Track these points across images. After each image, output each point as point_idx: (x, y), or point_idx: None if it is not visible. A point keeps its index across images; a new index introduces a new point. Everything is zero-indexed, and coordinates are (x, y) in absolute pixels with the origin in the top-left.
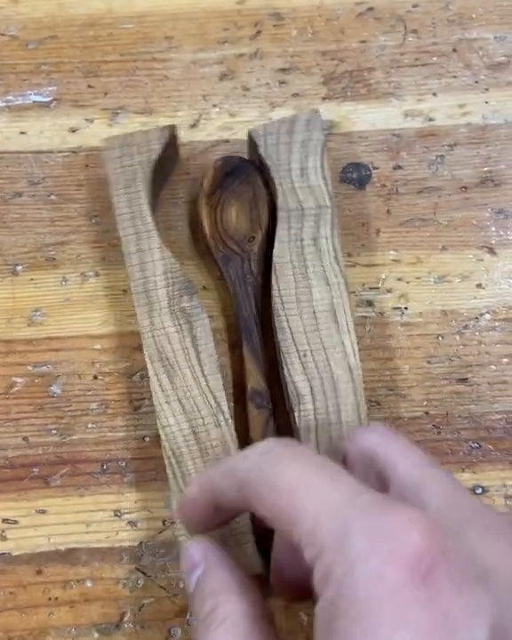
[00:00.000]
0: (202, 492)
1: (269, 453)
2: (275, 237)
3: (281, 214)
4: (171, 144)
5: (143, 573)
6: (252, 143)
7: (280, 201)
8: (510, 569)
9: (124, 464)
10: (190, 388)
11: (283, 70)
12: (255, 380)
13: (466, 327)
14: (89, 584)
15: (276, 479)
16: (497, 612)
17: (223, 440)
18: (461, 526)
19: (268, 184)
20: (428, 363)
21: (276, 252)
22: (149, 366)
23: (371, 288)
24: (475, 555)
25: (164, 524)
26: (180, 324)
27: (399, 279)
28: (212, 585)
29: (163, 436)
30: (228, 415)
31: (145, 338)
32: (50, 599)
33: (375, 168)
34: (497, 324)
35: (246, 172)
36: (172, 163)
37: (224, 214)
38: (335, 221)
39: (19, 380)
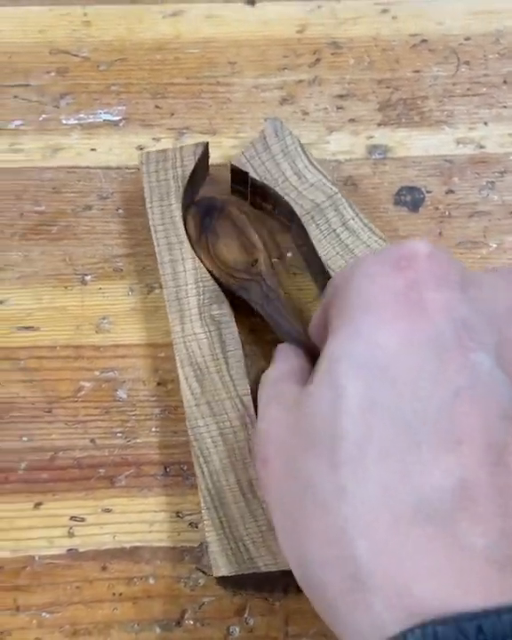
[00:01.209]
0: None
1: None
2: (310, 240)
3: (304, 218)
4: (202, 160)
5: (203, 573)
6: (236, 173)
7: (296, 208)
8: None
9: (185, 468)
10: (219, 391)
11: (340, 96)
12: None
13: None
14: (151, 581)
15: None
16: (480, 319)
17: (250, 442)
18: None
19: (255, 205)
20: None
21: (320, 252)
22: (180, 370)
23: None
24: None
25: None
26: (209, 331)
27: None
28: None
29: (192, 437)
30: (254, 418)
31: (176, 343)
32: (114, 594)
33: (428, 192)
34: None
35: (217, 208)
36: (203, 177)
37: (217, 253)
38: (350, 201)
39: (86, 384)
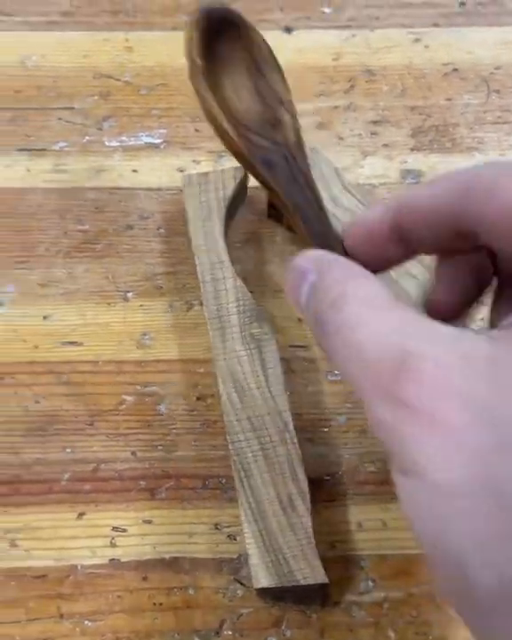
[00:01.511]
0: (388, 211)
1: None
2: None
3: None
4: (242, 183)
5: (242, 584)
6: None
7: None
8: None
9: (223, 481)
10: (259, 407)
11: (374, 122)
12: None
13: None
14: (191, 592)
15: None
16: None
17: (289, 457)
18: None
19: (291, 228)
20: None
21: None
22: (221, 386)
23: None
24: None
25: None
26: (250, 349)
27: None
28: (334, 276)
29: (232, 452)
30: (293, 434)
31: (217, 360)
32: (155, 604)
33: None
34: None
35: (233, 24)
36: (242, 200)
37: (225, 96)
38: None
39: (128, 398)
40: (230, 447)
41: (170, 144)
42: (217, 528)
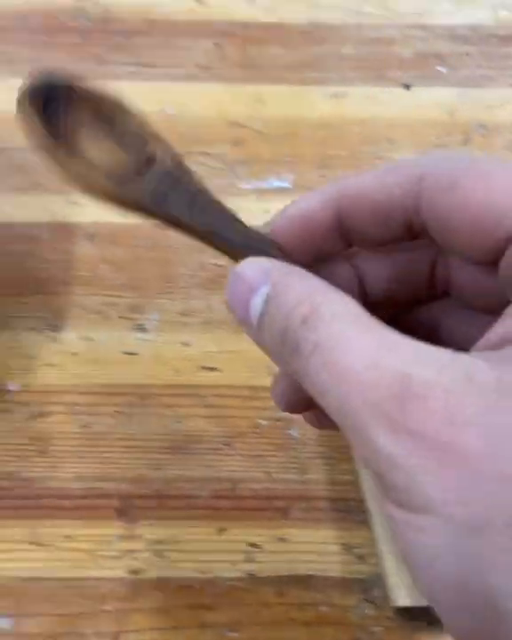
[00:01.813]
0: (328, 200)
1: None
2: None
3: None
4: None
5: (372, 603)
6: None
7: None
8: None
9: (353, 504)
10: None
11: None
12: None
13: None
14: (323, 609)
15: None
16: None
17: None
18: None
19: None
20: None
21: None
22: None
23: None
24: None
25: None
26: None
27: None
28: (297, 289)
29: (362, 475)
30: None
31: None
32: (289, 619)
33: None
34: None
35: (63, 89)
36: None
37: (87, 157)
38: None
39: (263, 422)
40: (361, 472)
41: (298, 188)
42: (348, 548)
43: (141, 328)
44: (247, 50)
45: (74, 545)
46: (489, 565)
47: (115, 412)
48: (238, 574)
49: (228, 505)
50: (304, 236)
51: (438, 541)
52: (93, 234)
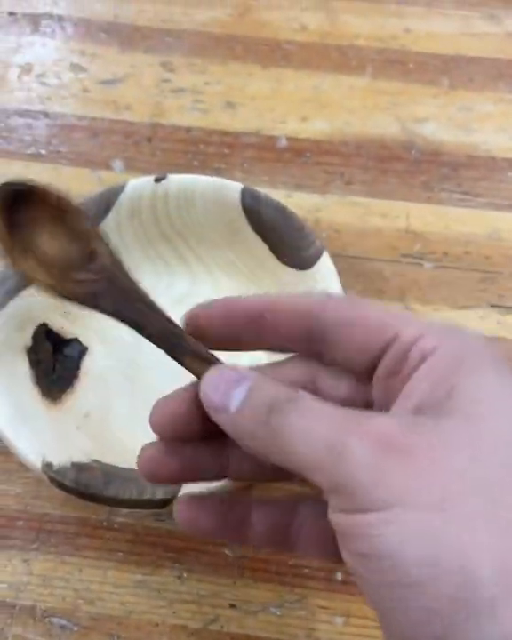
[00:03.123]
0: (257, 300)
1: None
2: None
3: None
4: None
5: None
6: None
7: None
8: None
9: None
10: None
11: None
12: None
13: None
14: None
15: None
16: None
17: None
18: None
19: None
20: None
21: None
22: None
23: None
24: None
25: None
26: None
27: None
28: (274, 385)
29: None
30: None
31: None
32: None
33: None
34: None
35: (25, 193)
36: None
37: (44, 251)
38: None
39: None
40: None
41: None
42: None
43: None
44: None
45: None
46: (455, 534)
47: None
48: None
49: None
50: (226, 324)
51: (405, 527)
52: None
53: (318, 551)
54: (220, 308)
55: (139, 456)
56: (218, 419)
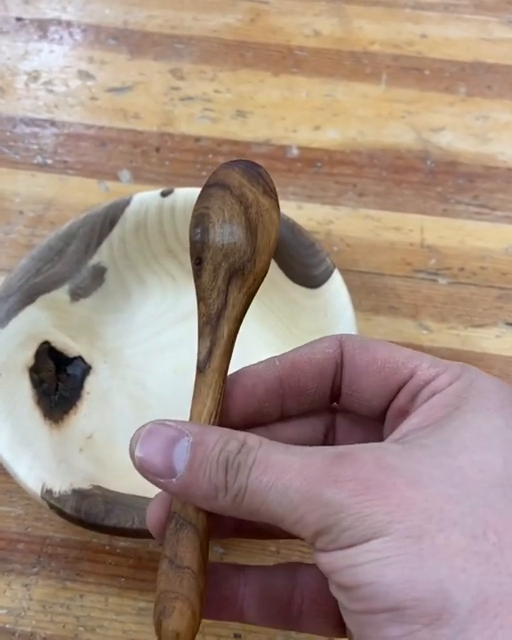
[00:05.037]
0: (278, 365)
1: None
2: None
3: None
4: None
5: None
6: None
7: None
8: None
9: None
10: None
11: None
12: None
13: None
14: None
15: None
16: None
17: None
18: None
19: None
20: None
21: None
22: None
23: None
24: None
25: None
26: None
27: None
28: (217, 433)
29: None
30: None
31: None
32: None
33: None
34: None
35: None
36: None
37: None
38: None
39: None
40: None
41: None
42: None
43: None
44: None
45: None
46: (432, 560)
47: None
48: None
49: None
50: (249, 396)
51: (385, 555)
52: None
53: (326, 624)
54: (239, 388)
55: (147, 515)
56: (163, 487)
